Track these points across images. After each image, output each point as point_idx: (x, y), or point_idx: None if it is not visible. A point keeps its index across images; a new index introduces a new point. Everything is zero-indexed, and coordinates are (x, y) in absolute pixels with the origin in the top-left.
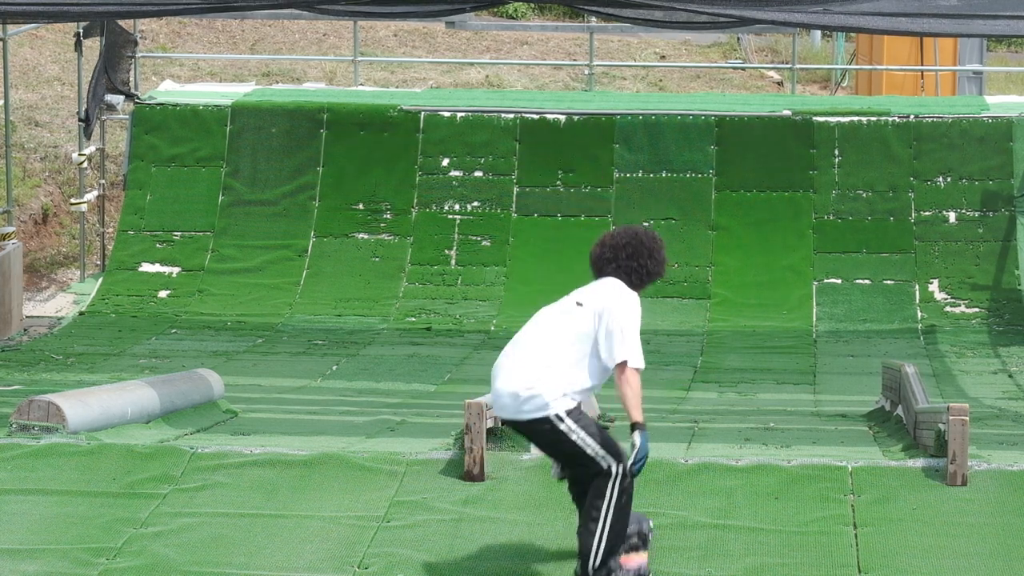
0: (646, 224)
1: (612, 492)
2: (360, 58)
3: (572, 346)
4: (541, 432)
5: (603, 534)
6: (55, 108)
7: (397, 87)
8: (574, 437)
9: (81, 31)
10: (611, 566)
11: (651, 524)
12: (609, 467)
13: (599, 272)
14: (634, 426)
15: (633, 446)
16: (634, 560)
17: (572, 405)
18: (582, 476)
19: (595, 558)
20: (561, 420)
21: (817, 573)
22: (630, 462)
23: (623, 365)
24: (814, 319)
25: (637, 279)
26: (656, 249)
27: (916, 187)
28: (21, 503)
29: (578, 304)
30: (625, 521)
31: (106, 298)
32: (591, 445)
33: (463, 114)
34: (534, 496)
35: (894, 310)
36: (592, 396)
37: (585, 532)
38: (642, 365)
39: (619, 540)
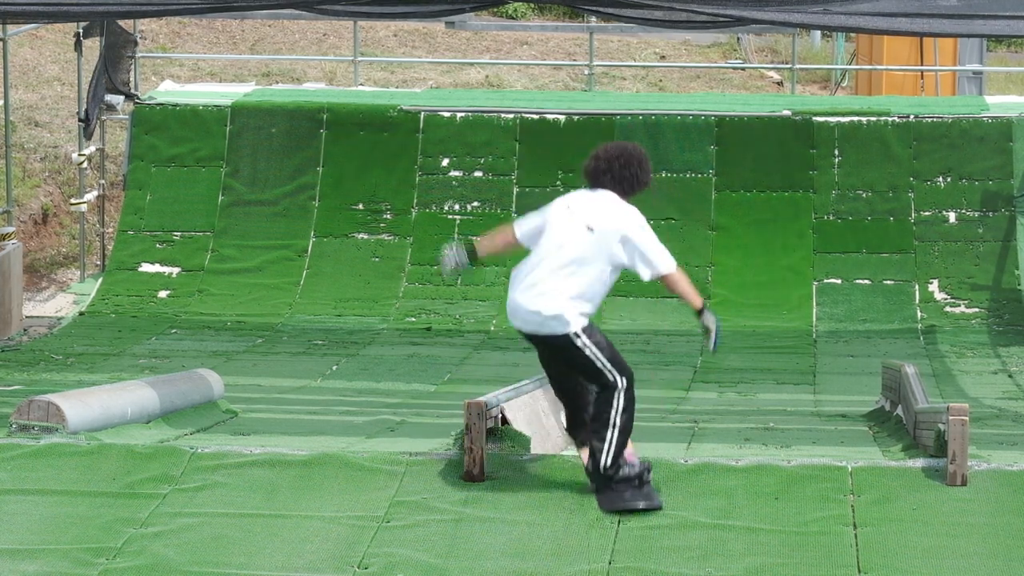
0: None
1: (619, 401)
2: (360, 58)
3: (589, 269)
4: (558, 346)
5: (613, 437)
6: (55, 108)
7: (397, 87)
8: (587, 352)
9: (81, 31)
10: (620, 462)
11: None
12: (615, 380)
13: (594, 182)
14: (701, 311)
15: (707, 330)
16: (632, 454)
17: (587, 323)
18: (581, 383)
19: (607, 457)
20: (578, 337)
21: (817, 573)
22: (711, 343)
23: (662, 276)
24: (814, 319)
25: (629, 187)
26: (644, 159)
27: (916, 187)
28: (21, 503)
29: (589, 229)
30: (630, 426)
31: (106, 298)
32: (600, 359)
33: (463, 114)
34: (534, 496)
35: (894, 310)
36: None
37: (596, 438)
38: (675, 265)
39: (625, 442)
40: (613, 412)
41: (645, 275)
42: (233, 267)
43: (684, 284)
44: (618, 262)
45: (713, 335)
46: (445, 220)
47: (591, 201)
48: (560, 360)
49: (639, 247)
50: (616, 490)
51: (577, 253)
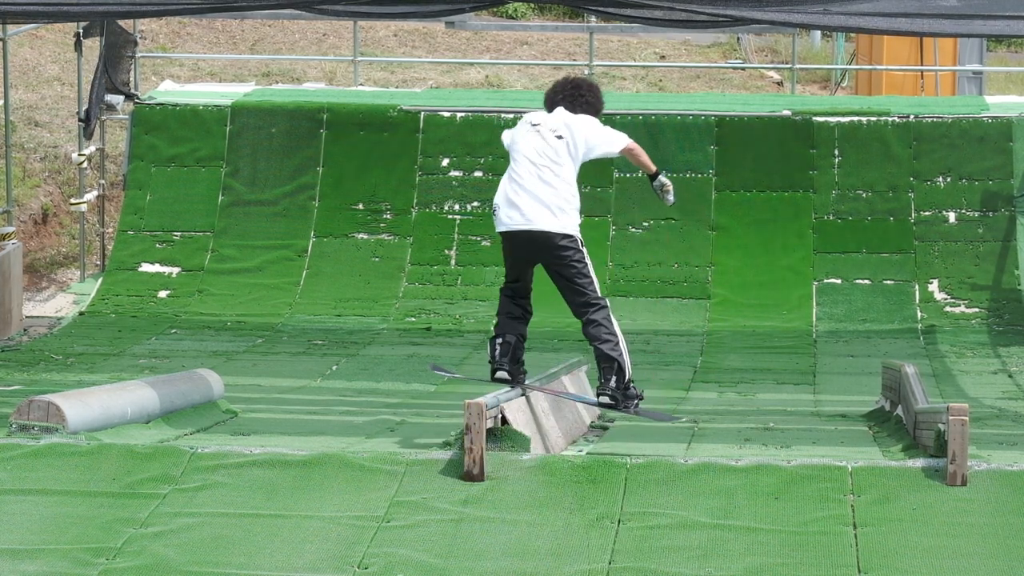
0: (646, 224)
1: (613, 320)
2: (360, 58)
3: (566, 170)
4: (561, 247)
5: (624, 348)
6: (55, 108)
7: (397, 87)
8: (585, 260)
9: (81, 31)
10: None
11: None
12: (599, 297)
13: (551, 105)
14: (656, 174)
15: (664, 188)
16: None
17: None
18: (566, 296)
19: (629, 366)
20: (582, 244)
21: (817, 573)
22: (671, 196)
23: (624, 149)
24: (814, 319)
25: (580, 107)
26: (596, 88)
27: (916, 187)
28: (21, 503)
29: (559, 137)
30: None
31: (106, 298)
32: (589, 272)
33: (463, 114)
34: (534, 496)
35: (894, 310)
36: (584, 378)
37: (614, 351)
38: (629, 140)
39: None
40: (615, 326)
41: (614, 152)
42: (233, 267)
43: (642, 155)
44: (588, 156)
45: (671, 192)
46: (445, 220)
47: (550, 116)
48: (552, 263)
49: (600, 138)
50: (630, 406)
51: (556, 159)
